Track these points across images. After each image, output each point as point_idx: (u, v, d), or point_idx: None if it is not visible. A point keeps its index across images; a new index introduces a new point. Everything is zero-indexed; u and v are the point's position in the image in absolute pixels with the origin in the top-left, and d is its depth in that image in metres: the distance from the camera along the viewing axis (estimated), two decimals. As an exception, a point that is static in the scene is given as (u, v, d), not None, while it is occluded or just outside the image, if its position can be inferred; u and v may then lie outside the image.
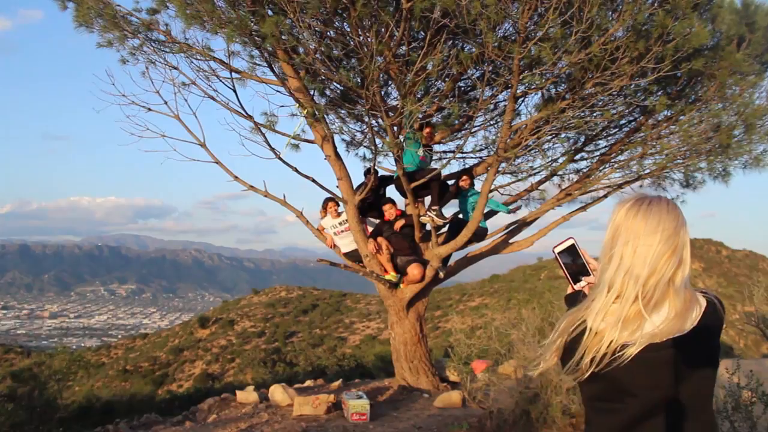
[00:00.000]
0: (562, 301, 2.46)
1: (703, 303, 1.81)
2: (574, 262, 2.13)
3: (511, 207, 9.65)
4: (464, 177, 9.40)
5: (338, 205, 9.31)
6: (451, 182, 9.74)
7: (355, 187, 9.10)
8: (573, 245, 2.11)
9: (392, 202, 9.37)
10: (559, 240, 2.16)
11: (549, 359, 1.94)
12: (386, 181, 9.76)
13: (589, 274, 2.09)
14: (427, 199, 9.31)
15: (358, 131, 10.80)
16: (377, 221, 9.56)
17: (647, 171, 8.73)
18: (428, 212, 8.91)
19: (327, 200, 9.34)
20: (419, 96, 8.09)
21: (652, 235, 1.78)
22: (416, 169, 8.84)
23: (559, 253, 2.15)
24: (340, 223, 9.39)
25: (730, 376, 4.37)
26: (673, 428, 1.77)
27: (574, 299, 2.05)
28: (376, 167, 9.03)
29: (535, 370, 2.01)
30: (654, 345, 1.72)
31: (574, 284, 2.14)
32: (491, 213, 9.51)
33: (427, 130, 9.12)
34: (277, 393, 8.61)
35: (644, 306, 1.75)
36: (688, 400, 1.77)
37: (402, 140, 8.56)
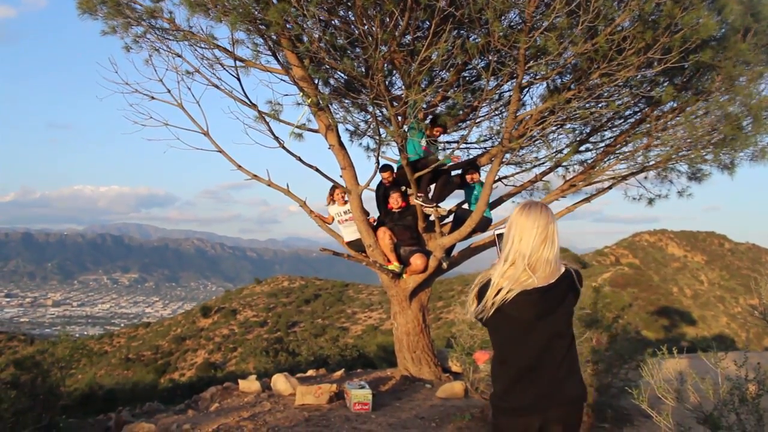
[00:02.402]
0: None
1: (563, 270, 3.03)
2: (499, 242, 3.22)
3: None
4: (472, 171, 9.35)
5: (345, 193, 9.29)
6: (455, 173, 9.71)
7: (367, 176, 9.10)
8: (502, 233, 3.16)
9: (401, 191, 9.30)
10: (499, 227, 3.30)
11: (471, 305, 3.12)
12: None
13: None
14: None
15: (362, 121, 10.76)
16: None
17: (652, 162, 8.68)
18: (416, 198, 8.89)
19: (333, 187, 9.33)
20: (424, 86, 8.05)
21: (532, 229, 2.94)
22: (419, 158, 8.80)
23: (497, 235, 3.31)
24: (345, 212, 9.37)
25: (738, 369, 4.35)
26: (551, 336, 2.99)
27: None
28: (379, 160, 9.00)
29: (466, 315, 3.57)
30: (526, 291, 2.92)
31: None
32: (495, 203, 9.49)
33: (438, 130, 9.07)
34: (280, 382, 8.61)
35: (527, 271, 2.92)
36: (559, 319, 3.01)
37: (406, 130, 8.53)
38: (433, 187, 9.20)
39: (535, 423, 3.00)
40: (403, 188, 9.30)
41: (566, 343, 3.04)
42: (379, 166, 9.07)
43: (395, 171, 9.35)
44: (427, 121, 9.14)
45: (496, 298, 2.93)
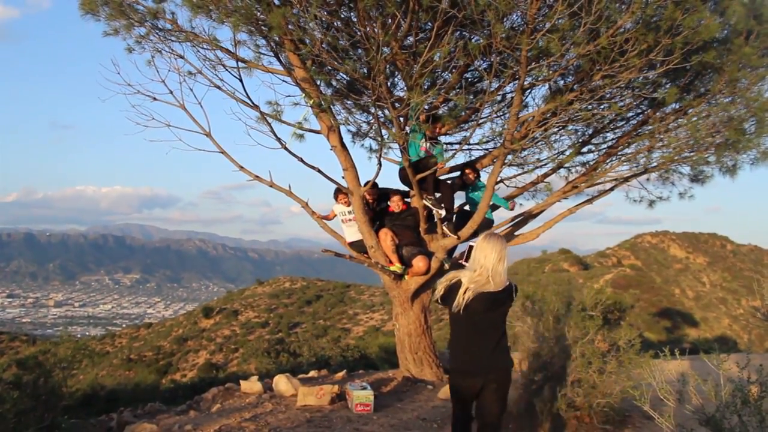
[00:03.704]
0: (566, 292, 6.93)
1: (507, 283, 4.49)
2: (468, 254, 4.70)
3: (509, 204, 9.62)
4: (468, 170, 9.38)
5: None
6: (456, 174, 9.71)
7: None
8: (471, 246, 4.66)
9: (401, 194, 9.33)
10: (473, 240, 4.93)
11: (439, 291, 4.63)
12: (385, 195, 9.75)
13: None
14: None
15: (364, 122, 10.77)
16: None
17: (654, 164, 8.68)
18: (425, 200, 8.92)
19: (337, 191, 9.35)
20: (426, 87, 8.05)
21: (492, 251, 4.40)
22: (420, 159, 8.80)
23: (469, 247, 4.74)
24: (348, 212, 9.38)
25: (740, 370, 4.35)
26: (491, 325, 4.48)
27: (459, 266, 4.71)
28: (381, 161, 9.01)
29: (435, 296, 4.72)
30: (483, 293, 4.36)
31: (465, 262, 4.68)
32: (497, 205, 9.49)
33: (438, 126, 9.06)
34: (281, 383, 8.62)
35: (489, 278, 4.35)
36: (498, 314, 4.53)
37: (408, 132, 8.53)
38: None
39: (478, 383, 4.51)
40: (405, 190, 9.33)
41: (500, 330, 4.57)
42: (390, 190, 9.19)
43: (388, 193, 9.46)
44: (429, 122, 9.15)
45: (466, 295, 4.37)
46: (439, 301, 4.69)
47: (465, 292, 4.36)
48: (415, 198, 9.16)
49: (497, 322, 4.51)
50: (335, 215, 9.69)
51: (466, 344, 4.51)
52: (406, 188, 9.37)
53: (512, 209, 9.60)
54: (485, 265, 4.37)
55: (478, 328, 4.47)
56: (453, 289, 4.48)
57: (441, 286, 4.59)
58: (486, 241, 4.45)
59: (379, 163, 8.82)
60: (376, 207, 9.60)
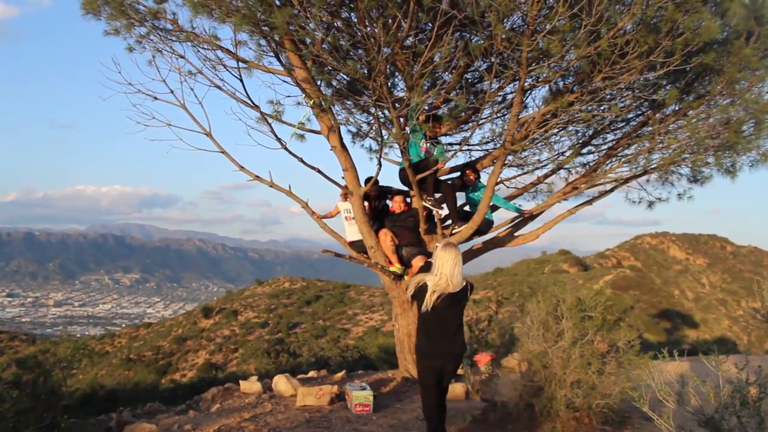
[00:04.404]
0: (566, 293, 6.88)
1: (464, 284, 5.32)
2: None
3: (523, 209, 9.66)
4: (468, 171, 9.39)
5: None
6: (456, 175, 9.71)
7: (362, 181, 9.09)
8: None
9: (404, 194, 9.33)
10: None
11: (410, 291, 5.42)
12: (386, 193, 9.75)
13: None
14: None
15: (365, 122, 10.79)
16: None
17: (654, 165, 8.69)
18: (425, 201, 8.93)
19: (345, 188, 9.36)
20: (426, 88, 8.05)
21: (449, 259, 5.20)
22: (421, 160, 8.81)
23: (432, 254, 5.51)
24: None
25: (738, 372, 4.35)
26: (450, 318, 5.38)
27: (427, 268, 5.51)
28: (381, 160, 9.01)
29: (407, 295, 5.94)
30: (446, 293, 5.19)
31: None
32: (497, 206, 9.50)
33: (437, 125, 9.05)
34: (281, 383, 8.62)
35: (448, 281, 5.18)
36: (457, 310, 5.44)
37: (408, 132, 8.54)
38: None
39: (438, 364, 5.47)
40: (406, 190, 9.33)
41: (458, 322, 5.51)
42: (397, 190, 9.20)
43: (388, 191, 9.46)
44: (430, 122, 9.15)
45: (433, 297, 5.21)
46: (410, 298, 5.68)
47: (432, 295, 5.22)
48: (415, 198, 9.17)
49: (456, 316, 5.48)
50: (338, 212, 9.69)
51: (432, 334, 5.42)
52: (406, 188, 9.38)
53: (527, 216, 9.65)
54: (443, 272, 5.22)
55: (441, 322, 5.39)
56: (421, 289, 5.32)
57: (411, 286, 5.45)
58: (444, 251, 5.28)
59: (379, 164, 8.83)
60: (378, 204, 9.60)
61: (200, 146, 8.63)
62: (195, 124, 8.76)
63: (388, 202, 9.74)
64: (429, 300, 5.22)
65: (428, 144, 8.85)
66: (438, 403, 5.61)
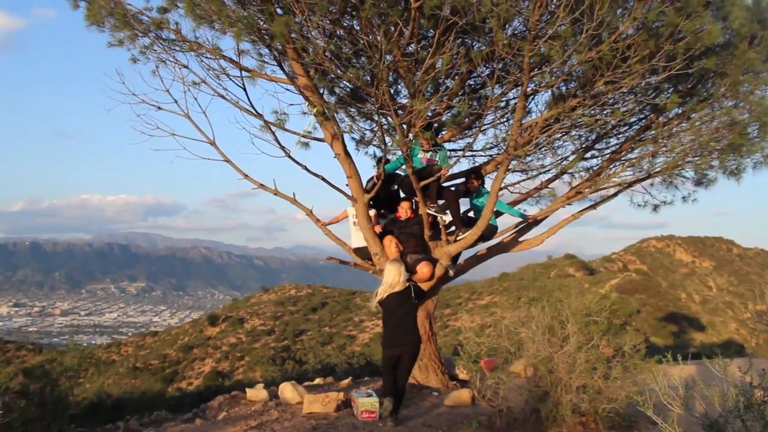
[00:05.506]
0: (571, 298, 7.16)
1: (407, 284, 7.42)
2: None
3: (527, 214, 9.66)
4: (472, 177, 9.38)
5: None
6: (459, 181, 9.72)
7: (364, 183, 9.09)
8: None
9: (410, 200, 9.29)
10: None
11: (375, 299, 7.51)
12: (394, 177, 9.69)
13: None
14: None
15: (368, 129, 10.81)
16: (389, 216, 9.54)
17: (658, 169, 8.68)
18: (428, 208, 8.94)
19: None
20: (428, 94, 8.07)
21: (394, 269, 7.38)
22: (424, 167, 8.80)
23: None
24: None
25: (743, 375, 4.35)
26: (405, 312, 7.36)
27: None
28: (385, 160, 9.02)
29: (372, 303, 7.68)
30: (393, 293, 7.33)
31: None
32: (501, 212, 9.49)
33: (425, 138, 8.75)
34: (287, 391, 8.63)
35: (394, 285, 7.32)
36: (408, 305, 7.38)
37: (411, 139, 8.55)
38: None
39: (398, 352, 7.21)
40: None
41: (412, 315, 7.41)
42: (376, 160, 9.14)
43: (397, 175, 9.42)
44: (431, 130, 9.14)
45: (383, 296, 7.27)
46: (377, 304, 7.50)
47: (379, 295, 7.40)
48: (420, 205, 9.17)
49: (408, 309, 7.36)
50: (346, 216, 9.67)
51: (391, 327, 7.31)
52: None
53: (531, 221, 9.66)
54: (388, 281, 7.33)
55: (397, 315, 7.30)
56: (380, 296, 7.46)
57: (377, 297, 7.47)
58: (390, 265, 7.45)
59: (383, 171, 8.84)
60: (385, 190, 9.37)
61: (205, 155, 8.68)
62: (199, 133, 8.81)
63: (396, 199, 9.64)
64: (381, 294, 7.39)
65: (428, 154, 8.81)
66: (394, 380, 7.36)
